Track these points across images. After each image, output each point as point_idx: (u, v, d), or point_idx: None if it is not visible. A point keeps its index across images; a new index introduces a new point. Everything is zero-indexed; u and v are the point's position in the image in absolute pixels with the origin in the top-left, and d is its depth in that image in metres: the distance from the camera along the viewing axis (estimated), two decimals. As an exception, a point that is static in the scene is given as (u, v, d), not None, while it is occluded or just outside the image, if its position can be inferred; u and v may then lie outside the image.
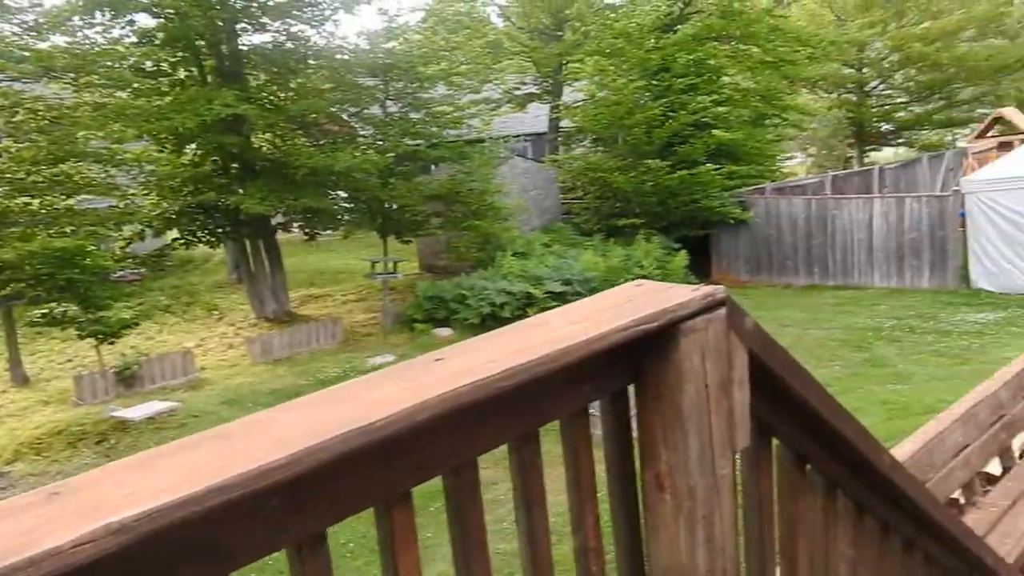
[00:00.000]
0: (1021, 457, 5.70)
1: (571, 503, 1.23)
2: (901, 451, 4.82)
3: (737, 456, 1.35)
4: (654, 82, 17.63)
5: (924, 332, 12.26)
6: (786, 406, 1.43)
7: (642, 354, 1.19)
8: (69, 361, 14.36)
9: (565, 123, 22.05)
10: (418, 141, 16.03)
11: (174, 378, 12.74)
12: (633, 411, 1.23)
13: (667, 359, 1.16)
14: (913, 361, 10.87)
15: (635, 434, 1.25)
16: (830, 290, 15.88)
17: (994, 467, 5.65)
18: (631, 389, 1.24)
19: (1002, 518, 4.70)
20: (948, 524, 1.84)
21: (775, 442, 1.52)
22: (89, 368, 12.96)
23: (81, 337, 12.49)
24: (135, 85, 13.58)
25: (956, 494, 5.20)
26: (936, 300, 14.16)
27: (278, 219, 15.97)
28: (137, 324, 13.26)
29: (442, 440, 0.99)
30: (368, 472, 0.90)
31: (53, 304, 12.24)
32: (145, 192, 14.47)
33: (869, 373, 10.55)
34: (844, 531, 1.76)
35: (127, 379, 12.36)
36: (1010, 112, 23.88)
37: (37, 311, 12.42)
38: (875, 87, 31.81)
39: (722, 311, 1.18)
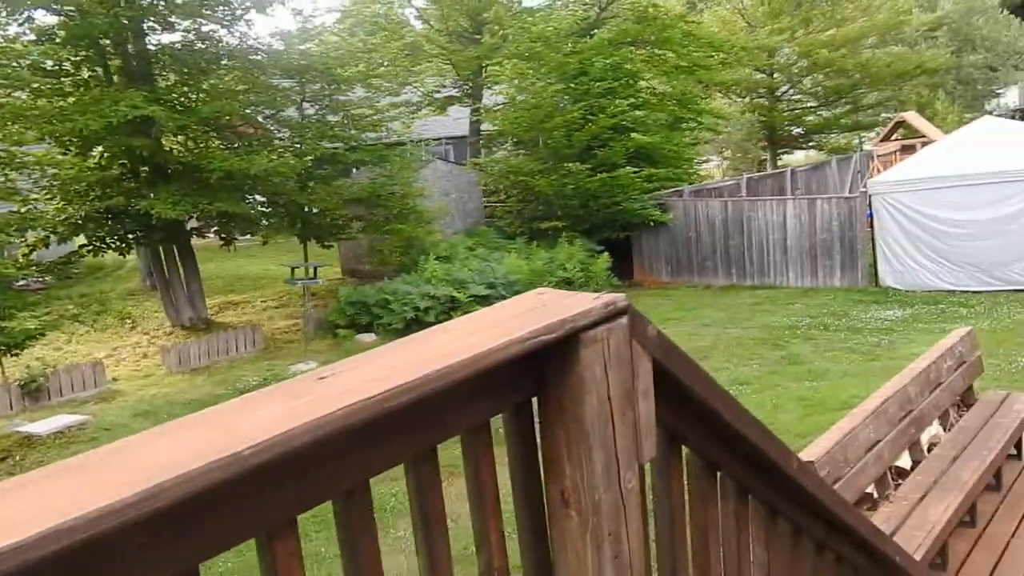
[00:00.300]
0: (929, 451, 5.92)
1: (474, 521, 1.18)
2: (817, 448, 4.93)
3: (647, 464, 1.33)
4: (572, 86, 17.76)
5: (837, 330, 12.64)
6: (692, 414, 1.42)
7: (544, 365, 1.15)
8: (-31, 375, 13.62)
9: (486, 126, 22.03)
10: (336, 144, 15.77)
11: (84, 390, 12.22)
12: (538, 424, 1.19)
13: (569, 370, 1.12)
14: (827, 358, 11.19)
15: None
16: (748, 290, 16.26)
17: (904, 461, 5.85)
18: (535, 401, 1.20)
19: (913, 511, 4.85)
20: (857, 525, 1.86)
21: (685, 450, 1.50)
22: (-9, 381, 12.33)
23: (-19, 350, 11.89)
24: (35, 85, 12.95)
25: (870, 488, 5.36)
26: (848, 298, 14.63)
27: (193, 224, 15.48)
28: (43, 334, 12.65)
29: (329, 463, 0.93)
30: (244, 502, 0.83)
31: (-51, 315, 11.59)
32: (49, 197, 13.82)
33: (786, 370, 10.81)
34: (757, 535, 1.76)
35: (33, 392, 11.80)
36: (911, 116, 25.00)
37: (-69, 324, 11.74)
38: (785, 92, 32.84)
39: (624, 319, 1.15)
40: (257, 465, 0.74)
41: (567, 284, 15.07)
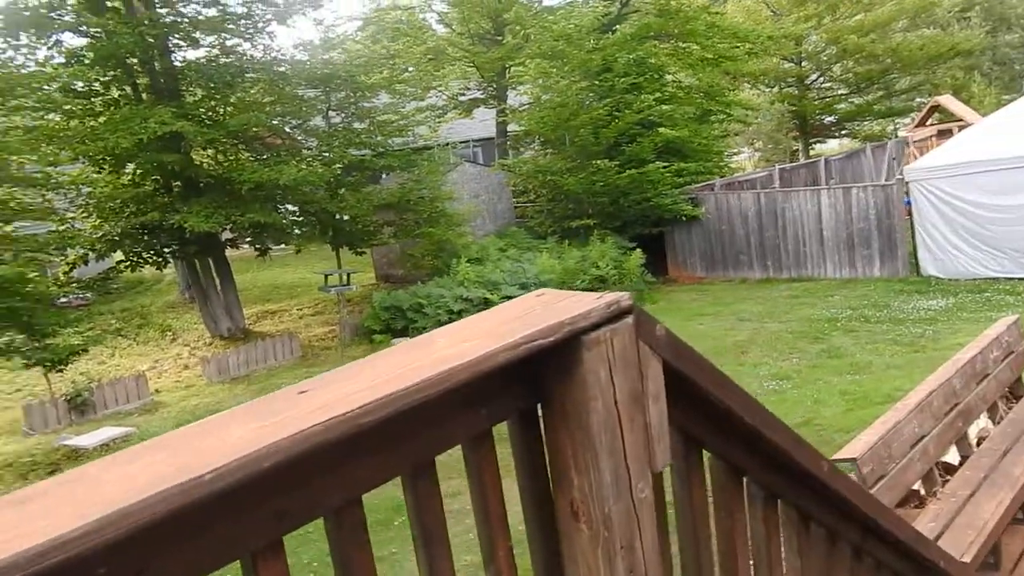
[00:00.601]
0: (978, 445, 5.73)
1: (480, 533, 1.12)
2: (859, 444, 4.79)
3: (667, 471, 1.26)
4: (597, 82, 17.63)
5: (879, 321, 12.37)
6: (711, 417, 1.34)
7: (545, 370, 1.09)
8: (18, 391, 13.92)
9: (512, 127, 21.99)
10: (364, 151, 15.83)
11: (128, 403, 12.41)
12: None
13: (571, 375, 1.06)
14: (870, 350, 10.95)
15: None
16: (785, 283, 16.00)
17: (952, 456, 5.67)
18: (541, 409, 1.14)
19: (963, 508, 4.69)
20: (895, 529, 1.77)
21: (707, 455, 1.43)
22: (39, 397, 12.56)
23: (28, 366, 12.12)
24: (66, 107, 13.19)
25: (916, 485, 5.20)
26: (889, 289, 14.32)
27: (226, 236, 15.65)
28: (86, 350, 12.89)
29: (313, 481, 0.87)
30: (216, 524, 0.79)
31: (-4, 334, 11.84)
32: (85, 215, 14.07)
33: (827, 364, 10.60)
34: (789, 541, 1.68)
35: (79, 406, 12.02)
36: (946, 100, 24.43)
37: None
38: (815, 80, 32.34)
39: (629, 320, 1.09)
40: (222, 489, 0.69)
41: (600, 282, 14.96)
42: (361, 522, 0.94)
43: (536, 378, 1.10)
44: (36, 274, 12.07)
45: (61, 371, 12.12)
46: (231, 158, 14.98)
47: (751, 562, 1.58)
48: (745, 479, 1.51)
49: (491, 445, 1.10)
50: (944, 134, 21.07)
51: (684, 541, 1.39)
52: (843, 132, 35.19)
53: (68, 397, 11.98)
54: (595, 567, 1.11)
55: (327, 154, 15.38)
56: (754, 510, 1.57)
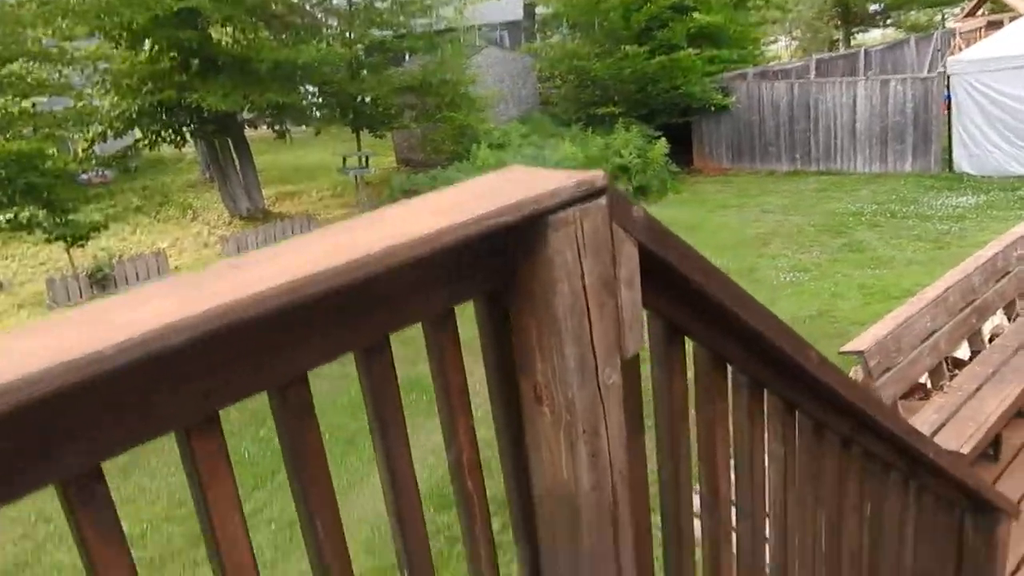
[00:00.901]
0: (990, 342, 5.69)
1: (442, 415, 1.10)
2: (868, 336, 4.77)
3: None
4: (630, -38, 16.86)
5: (905, 217, 12.15)
6: (694, 305, 1.29)
7: (513, 251, 1.03)
8: (42, 264, 14.15)
9: (541, 9, 21.22)
10: (386, 32, 15.40)
11: (148, 278, 12.62)
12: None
13: (536, 257, 1.00)
14: (893, 246, 10.81)
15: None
16: (813, 175, 15.69)
17: (963, 352, 5.64)
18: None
19: (967, 402, 4.69)
20: (886, 421, 1.74)
21: (691, 344, 1.39)
22: (61, 271, 12.79)
23: (49, 240, 12.31)
24: (81, -21, 12.86)
25: (924, 379, 5.20)
26: (919, 184, 14.00)
27: (245, 116, 15.48)
28: (107, 226, 13.04)
29: (249, 358, 0.84)
30: (134, 399, 0.76)
31: (17, 208, 11.96)
32: (103, 92, 13.92)
33: (848, 258, 10.50)
34: (774, 430, 1.66)
35: (100, 281, 12.24)
36: (1000, -13, 23.12)
37: (2, 216, 12.13)
38: (862, -39, 30.71)
39: (602, 200, 1.02)
40: (128, 363, 0.66)
41: (623, 171, 14.73)
42: (306, 402, 0.91)
43: (503, 258, 1.05)
44: (55, 150, 12.07)
45: (82, 246, 12.30)
46: (250, 36, 14.64)
47: (731, 449, 1.56)
48: (730, 368, 1.47)
49: (453, 326, 1.06)
50: (994, 25, 20.04)
51: (661, 427, 1.37)
52: (888, 22, 33.60)
53: (90, 272, 12.18)
54: (557, 451, 1.09)
55: (348, 34, 14.98)
56: (738, 400, 1.54)
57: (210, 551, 0.88)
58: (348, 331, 0.93)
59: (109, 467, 0.77)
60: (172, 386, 0.77)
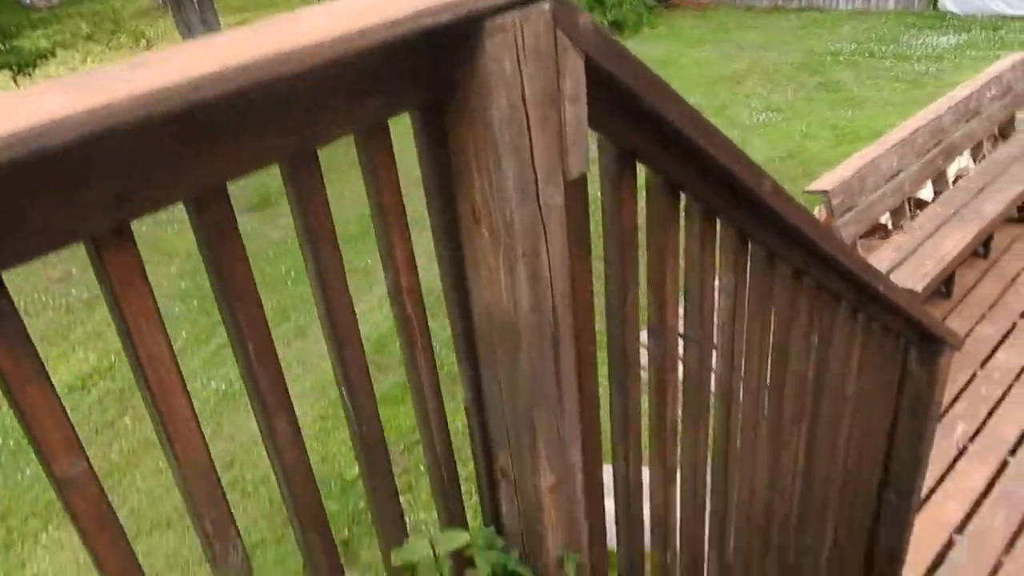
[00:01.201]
0: (955, 183, 5.71)
1: (378, 235, 1.06)
2: (833, 176, 4.76)
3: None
4: None
5: (883, 57, 11.89)
6: (646, 127, 1.24)
7: (449, 59, 0.97)
8: (-11, 95, 13.51)
9: None
10: None
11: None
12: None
13: (472, 65, 0.94)
14: (869, 86, 10.64)
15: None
16: (794, 12, 15.16)
17: (927, 193, 5.67)
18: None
19: (926, 241, 4.76)
20: (837, 254, 1.74)
21: (644, 169, 1.35)
22: (10, 101, 12.22)
23: (-7, 69, 11.70)
24: None
25: (885, 219, 5.24)
26: (900, 23, 13.62)
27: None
28: (54, 54, 12.36)
29: (159, 166, 0.79)
30: (32, 206, 0.71)
31: (-44, 35, 11.30)
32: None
33: (823, 98, 10.35)
34: (725, 259, 1.65)
35: (51, 113, 11.75)
36: None
37: (-61, 46, 11.46)
38: None
39: (545, 5, 0.94)
40: (11, 159, 0.60)
41: (598, 3, 14.12)
42: (226, 215, 0.87)
43: (438, 68, 0.98)
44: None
45: (29, 75, 11.72)
46: None
47: (682, 278, 1.56)
48: (682, 194, 1.44)
49: (387, 140, 1.01)
50: None
51: (610, 251, 1.35)
52: None
53: (41, 101, 11.68)
54: (496, 271, 1.07)
55: None
56: (691, 226, 1.52)
57: (135, 371, 0.86)
58: (272, 138, 0.88)
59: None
60: (73, 189, 0.72)
